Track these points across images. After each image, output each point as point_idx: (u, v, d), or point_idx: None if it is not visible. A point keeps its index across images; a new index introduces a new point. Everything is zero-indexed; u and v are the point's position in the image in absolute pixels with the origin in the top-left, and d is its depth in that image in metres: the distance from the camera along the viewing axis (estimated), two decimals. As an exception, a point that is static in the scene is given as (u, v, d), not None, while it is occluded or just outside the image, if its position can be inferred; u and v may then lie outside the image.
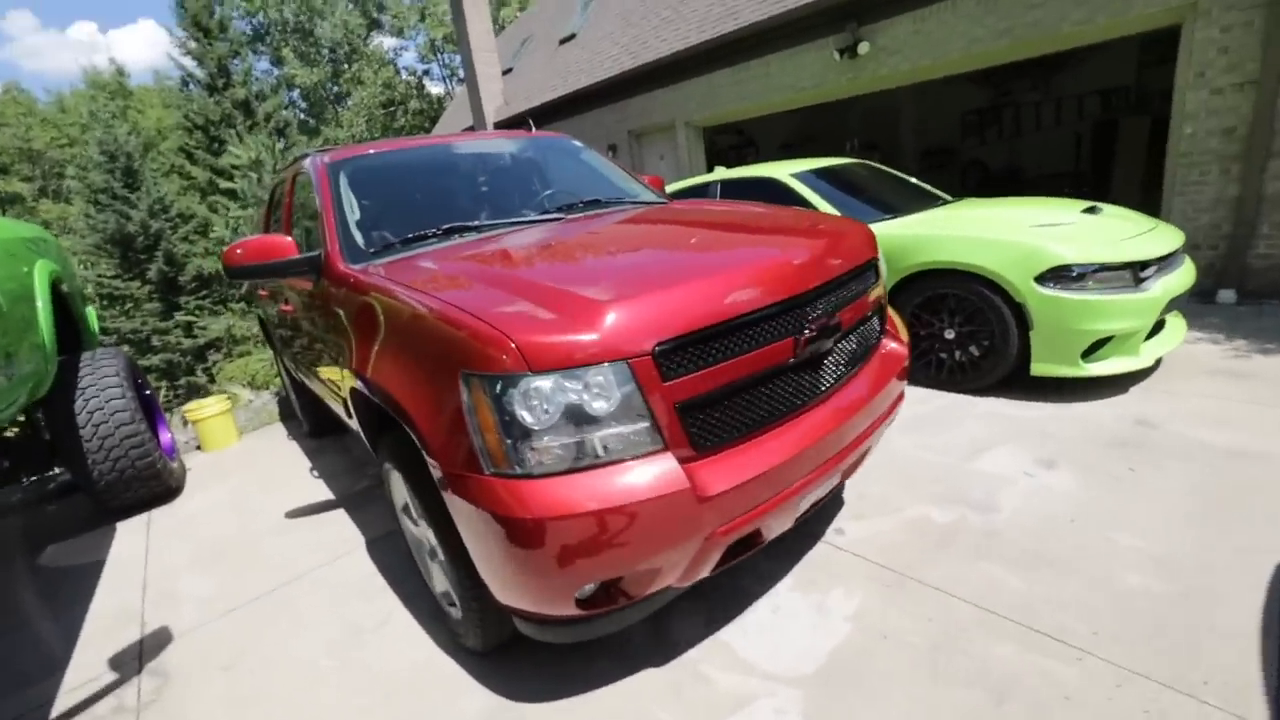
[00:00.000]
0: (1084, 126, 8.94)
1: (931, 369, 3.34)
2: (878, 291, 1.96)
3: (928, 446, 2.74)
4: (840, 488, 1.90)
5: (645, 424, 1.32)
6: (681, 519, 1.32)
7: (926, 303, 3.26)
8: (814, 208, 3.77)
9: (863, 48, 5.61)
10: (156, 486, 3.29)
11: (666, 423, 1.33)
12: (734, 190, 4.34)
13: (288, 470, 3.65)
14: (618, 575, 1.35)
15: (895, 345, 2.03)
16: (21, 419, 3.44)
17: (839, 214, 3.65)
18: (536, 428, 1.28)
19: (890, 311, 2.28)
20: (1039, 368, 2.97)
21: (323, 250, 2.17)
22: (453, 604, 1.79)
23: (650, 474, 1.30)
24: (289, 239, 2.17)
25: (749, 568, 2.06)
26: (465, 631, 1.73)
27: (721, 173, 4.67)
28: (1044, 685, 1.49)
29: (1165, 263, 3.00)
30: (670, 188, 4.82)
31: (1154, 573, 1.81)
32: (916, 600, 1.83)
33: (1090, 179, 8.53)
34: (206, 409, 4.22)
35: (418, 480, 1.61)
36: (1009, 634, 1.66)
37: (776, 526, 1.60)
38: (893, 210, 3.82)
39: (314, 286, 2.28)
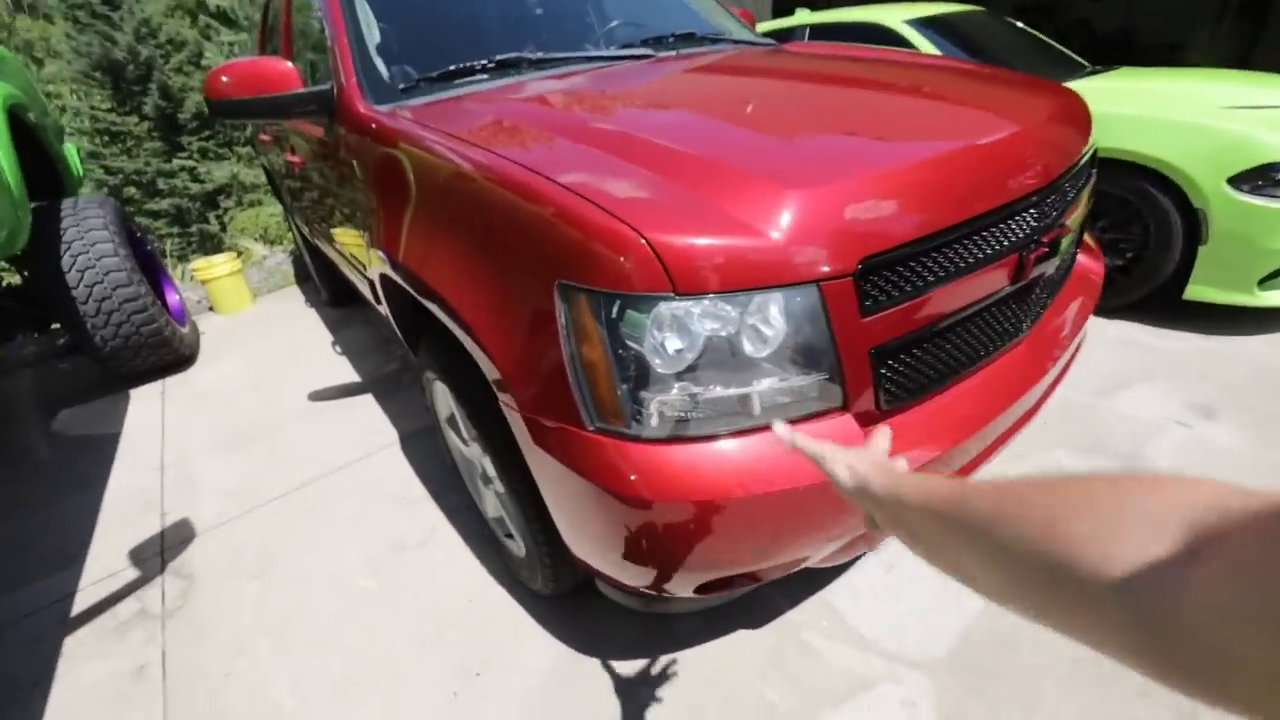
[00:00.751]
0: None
1: (1052, 282, 2.82)
2: (1091, 188, 1.43)
3: (1048, 377, 2.33)
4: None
5: (824, 374, 0.91)
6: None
7: (1066, 200, 2.67)
8: (937, 67, 3.01)
9: None
10: (166, 354, 3.00)
11: (853, 373, 0.92)
12: (826, 37, 3.52)
13: (308, 343, 3.33)
14: (765, 564, 1.02)
15: (1091, 261, 1.55)
16: (11, 272, 3.08)
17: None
18: (669, 372, 0.87)
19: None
20: (1196, 290, 2.45)
21: (334, 84, 1.62)
22: (510, 535, 1.52)
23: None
24: (289, 65, 1.61)
25: (853, 515, 1.76)
26: (530, 574, 1.47)
27: (806, 16, 3.79)
28: (1241, 705, 1.22)
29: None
30: (746, 32, 3.96)
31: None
32: (1062, 575, 1.53)
33: (1232, 47, 7.16)
34: (216, 268, 3.83)
35: (475, 403, 1.25)
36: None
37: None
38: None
39: (325, 133, 1.76)
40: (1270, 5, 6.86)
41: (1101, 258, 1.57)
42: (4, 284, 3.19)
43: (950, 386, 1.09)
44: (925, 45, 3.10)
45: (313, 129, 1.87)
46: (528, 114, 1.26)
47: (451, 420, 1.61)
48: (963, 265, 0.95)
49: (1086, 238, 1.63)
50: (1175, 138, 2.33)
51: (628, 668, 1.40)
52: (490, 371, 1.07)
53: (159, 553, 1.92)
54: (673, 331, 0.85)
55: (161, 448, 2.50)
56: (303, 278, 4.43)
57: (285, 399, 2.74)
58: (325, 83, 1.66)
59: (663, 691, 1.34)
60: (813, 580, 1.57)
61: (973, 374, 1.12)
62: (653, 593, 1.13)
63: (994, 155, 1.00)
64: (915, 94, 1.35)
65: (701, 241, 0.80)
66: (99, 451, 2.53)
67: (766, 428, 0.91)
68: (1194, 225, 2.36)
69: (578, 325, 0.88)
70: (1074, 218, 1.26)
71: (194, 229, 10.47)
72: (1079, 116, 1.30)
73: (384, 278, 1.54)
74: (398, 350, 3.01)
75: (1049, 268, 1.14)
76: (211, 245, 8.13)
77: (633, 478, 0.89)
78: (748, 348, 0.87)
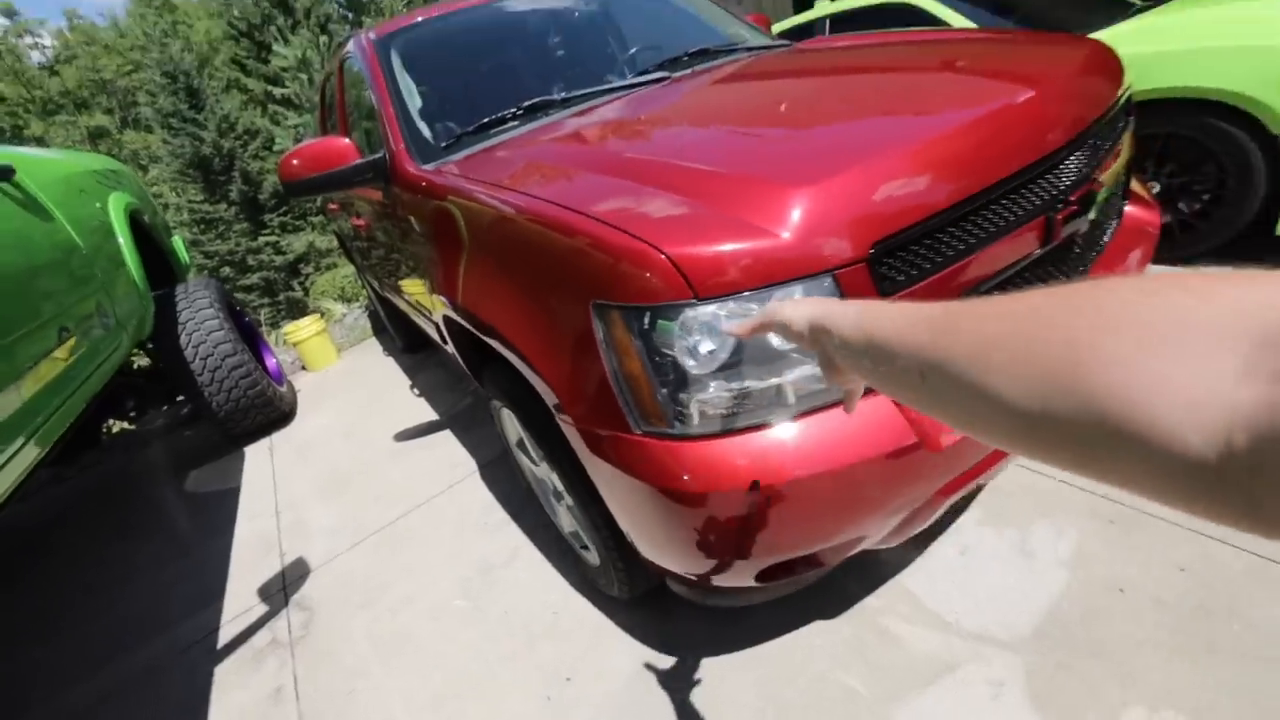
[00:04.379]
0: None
1: (1122, 236, 2.65)
2: (1129, 136, 1.38)
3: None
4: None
5: (851, 359, 0.94)
6: (904, 478, 0.98)
7: (1124, 149, 2.52)
8: (964, 36, 2.94)
9: None
10: (271, 412, 3.35)
11: (881, 355, 0.95)
12: (850, 23, 3.50)
13: (389, 389, 3.61)
14: (816, 548, 1.05)
15: (1143, 211, 1.48)
16: (141, 355, 3.54)
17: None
18: (703, 373, 0.94)
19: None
20: (1291, 226, 2.25)
21: (386, 151, 1.81)
22: (586, 547, 1.61)
23: (861, 428, 0.94)
24: (347, 141, 1.82)
25: (922, 499, 1.73)
26: (606, 580, 1.55)
27: (825, 6, 3.77)
28: (1380, 666, 1.12)
29: None
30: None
31: None
32: (1157, 543, 1.45)
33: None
34: (303, 330, 4.23)
35: (538, 424, 1.35)
36: (1309, 592, 1.27)
37: (992, 474, 1.23)
38: (1076, 27, 2.92)
39: (384, 196, 1.96)
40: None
41: (1156, 206, 1.50)
42: (135, 367, 3.66)
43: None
44: (952, 16, 3.03)
45: (372, 193, 2.08)
46: (553, 153, 1.38)
47: (520, 444, 1.74)
48: (981, 236, 0.97)
49: (1136, 187, 1.56)
50: (1242, 64, 2.17)
51: (707, 665, 1.45)
52: (545, 391, 1.17)
53: (282, 588, 2.14)
54: (702, 334, 0.91)
55: (275, 496, 2.79)
56: (379, 330, 4.79)
57: (374, 442, 2.98)
58: (378, 150, 1.86)
59: (743, 686, 1.38)
60: (886, 566, 1.56)
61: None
62: (718, 585, 1.19)
63: (1002, 122, 1.01)
64: (918, 72, 1.36)
65: (715, 249, 0.87)
66: (224, 504, 2.85)
67: (805, 414, 0.95)
68: (1277, 155, 2.18)
69: (614, 339, 0.97)
70: (1110, 171, 1.23)
71: (281, 297, 11.49)
72: (1103, 67, 1.27)
73: (447, 319, 1.69)
74: (469, 386, 3.21)
75: (1083, 225, 1.12)
76: (298, 309, 8.89)
77: (682, 474, 0.96)
78: (775, 341, 0.92)
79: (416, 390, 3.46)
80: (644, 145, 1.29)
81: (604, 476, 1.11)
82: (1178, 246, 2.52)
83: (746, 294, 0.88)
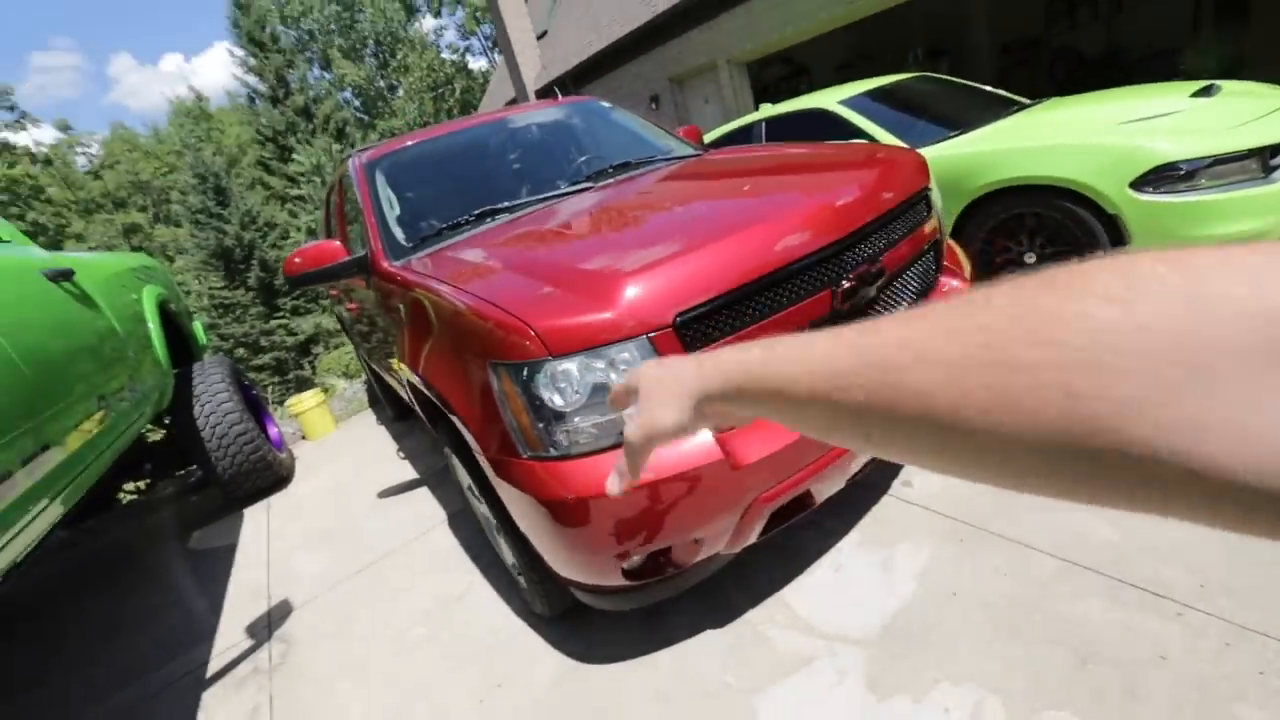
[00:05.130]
0: (1206, -13, 7.55)
1: (1012, 299, 3.04)
2: (931, 225, 1.79)
3: (1008, 385, 2.52)
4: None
5: (672, 398, 1.30)
6: (718, 490, 1.30)
7: (1002, 225, 2.96)
8: (869, 137, 3.47)
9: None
10: (270, 476, 3.68)
11: (694, 395, 1.30)
12: (781, 128, 4.08)
13: (378, 453, 3.95)
14: (660, 547, 1.36)
15: (956, 283, 1.86)
16: (158, 427, 3.93)
17: (895, 140, 3.37)
18: (566, 409, 1.29)
19: (951, 244, 2.09)
20: (1140, 286, 2.62)
21: (367, 250, 2.26)
22: (521, 573, 1.89)
23: (679, 449, 1.28)
24: (337, 244, 2.27)
25: (810, 524, 2.02)
26: (533, 599, 1.83)
27: (765, 111, 4.39)
28: (1137, 643, 1.38)
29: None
30: (712, 134, 4.61)
31: (1279, 511, 1.59)
32: (991, 555, 1.73)
33: (1217, 51, 7.25)
34: (305, 403, 4.63)
35: (471, 464, 1.69)
36: (1096, 589, 1.53)
37: (826, 489, 1.55)
38: (963, 125, 3.45)
39: (367, 285, 2.39)
40: (1248, 3, 6.98)
41: (968, 276, 1.88)
42: (149, 439, 4.04)
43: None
44: (862, 120, 3.58)
45: (359, 283, 2.52)
46: (483, 255, 1.79)
47: (470, 488, 2.06)
48: (769, 307, 1.34)
49: (957, 258, 1.95)
50: (1077, 158, 2.63)
51: (614, 669, 1.70)
52: (466, 433, 1.52)
53: (267, 625, 2.40)
54: (563, 381, 1.27)
55: (268, 549, 3.08)
56: (374, 402, 5.19)
57: (359, 499, 3.29)
58: (363, 249, 2.31)
59: (640, 687, 1.63)
60: (771, 584, 1.84)
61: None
62: (605, 586, 1.48)
63: (783, 224, 1.40)
64: (749, 180, 1.80)
65: (563, 322, 1.25)
66: (222, 559, 3.14)
67: (642, 441, 1.30)
68: (1117, 229, 2.59)
69: (505, 387, 1.33)
70: (901, 252, 1.62)
71: (291, 375, 12.02)
72: (891, 177, 1.68)
73: (412, 386, 2.07)
74: (444, 447, 3.54)
75: (868, 296, 1.49)
76: (306, 386, 9.36)
77: (554, 486, 1.29)
78: (615, 385, 1.28)
79: (402, 453, 3.79)
80: (545, 245, 1.72)
81: (507, 495, 1.44)
82: (1056, 306, 2.88)
83: (586, 351, 1.25)
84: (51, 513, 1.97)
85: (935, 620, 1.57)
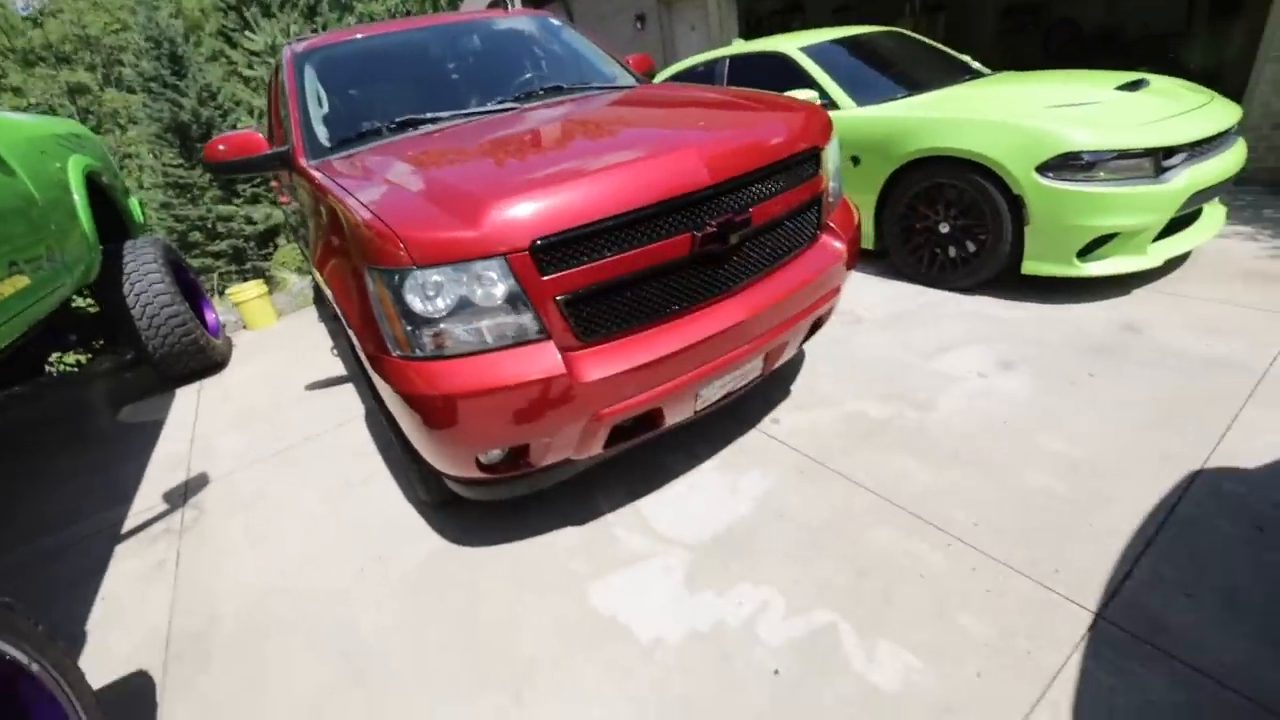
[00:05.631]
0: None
1: (922, 264, 3.22)
2: (814, 184, 1.91)
3: (896, 343, 2.74)
4: (763, 377, 1.97)
5: (528, 315, 1.44)
6: (559, 401, 1.47)
7: (924, 193, 3.08)
8: (819, 86, 3.49)
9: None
10: (203, 360, 3.76)
11: (546, 314, 1.45)
12: (743, 66, 4.03)
13: (312, 348, 4.05)
14: (508, 445, 1.55)
15: (834, 242, 2.00)
16: (90, 301, 3.92)
17: (842, 93, 3.41)
18: (430, 316, 1.42)
19: (847, 204, 2.21)
20: (1030, 266, 2.82)
21: (290, 145, 2.27)
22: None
23: (528, 361, 1.44)
24: (260, 135, 2.27)
25: (678, 447, 2.24)
26: (416, 485, 2.03)
27: (731, 48, 4.30)
28: (907, 564, 1.64)
29: (1204, 147, 2.67)
30: (679, 65, 4.53)
31: (1063, 475, 1.86)
32: (823, 486, 1.97)
33: (1206, 40, 7.21)
34: (245, 293, 4.64)
35: (357, 360, 1.82)
36: (895, 520, 1.79)
37: (674, 412, 1.73)
38: (915, 87, 3.49)
39: (290, 179, 2.42)
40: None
41: (845, 237, 2.02)
42: (78, 312, 4.03)
43: (655, 325, 1.59)
44: (815, 69, 3.57)
45: (285, 176, 2.53)
46: (385, 163, 1.84)
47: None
48: (620, 245, 1.47)
49: (845, 217, 2.09)
50: (992, 135, 2.73)
51: (481, 552, 1.93)
52: (349, 328, 1.65)
53: (183, 494, 2.58)
54: (430, 290, 1.40)
55: (194, 427, 3.22)
56: (318, 299, 5.21)
57: (288, 389, 3.42)
58: (287, 144, 2.32)
59: (499, 568, 1.86)
60: (633, 494, 2.07)
61: (680, 316, 1.62)
62: (466, 478, 1.67)
63: (650, 167, 1.50)
64: (645, 121, 1.88)
65: (428, 235, 1.36)
66: (149, 432, 3.27)
67: (498, 350, 1.45)
68: (1019, 209, 2.74)
69: (379, 291, 1.45)
70: (774, 207, 1.74)
71: (249, 265, 11.73)
72: (781, 133, 1.77)
73: (316, 284, 2.16)
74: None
75: (729, 244, 1.62)
76: (261, 277, 9.20)
77: (419, 384, 1.44)
78: (478, 296, 1.41)
79: (335, 351, 3.90)
80: (439, 163, 1.78)
81: (382, 389, 1.59)
82: (959, 277, 3.07)
83: (451, 265, 1.37)
84: None
85: (757, 535, 1.82)
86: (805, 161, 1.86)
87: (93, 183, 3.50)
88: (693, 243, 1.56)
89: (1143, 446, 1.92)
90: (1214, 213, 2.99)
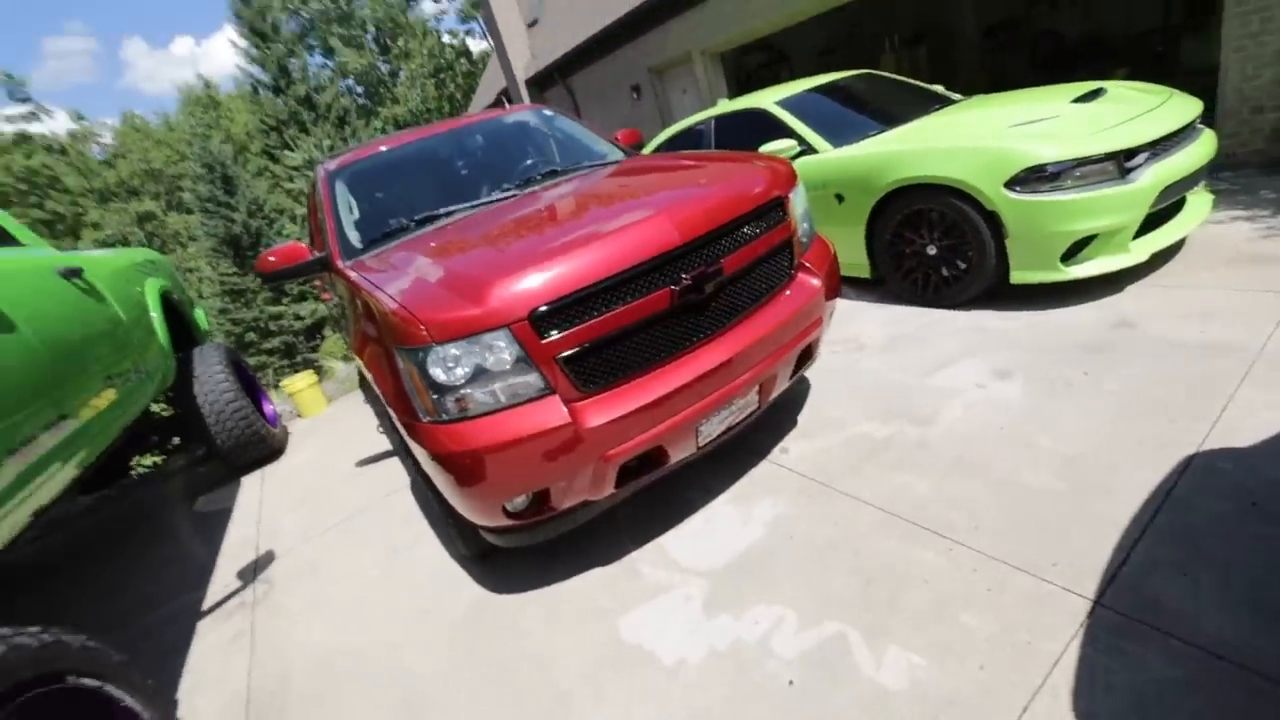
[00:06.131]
0: (1182, -31, 7.55)
1: (917, 287, 3.35)
2: (782, 229, 2.11)
3: (896, 366, 2.85)
4: (762, 410, 2.12)
5: (533, 375, 1.66)
6: (567, 447, 1.67)
7: (907, 220, 3.25)
8: (799, 135, 3.76)
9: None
10: (264, 449, 4.12)
11: (550, 372, 1.67)
12: (729, 124, 4.36)
13: (359, 429, 4.38)
14: (529, 490, 1.74)
15: (810, 279, 2.19)
16: (164, 406, 4.37)
17: (819, 138, 3.66)
18: (452, 384, 1.66)
19: (822, 241, 2.41)
20: (1018, 275, 2.93)
21: (327, 250, 2.63)
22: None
23: (537, 414, 1.65)
24: (304, 244, 2.64)
25: (695, 484, 2.39)
26: (455, 541, 2.23)
27: (719, 107, 4.66)
28: (911, 571, 1.73)
29: (1167, 143, 2.79)
30: (670, 130, 4.90)
31: (1059, 472, 1.93)
32: (829, 506, 2.08)
33: (1188, 33, 7.30)
34: (297, 384, 5.06)
35: (395, 431, 2.07)
36: (898, 531, 1.89)
37: (677, 449, 1.90)
38: (888, 121, 3.72)
39: (330, 279, 2.77)
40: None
41: (821, 271, 2.20)
42: (157, 416, 4.49)
43: (648, 371, 1.79)
44: (793, 120, 3.85)
45: (325, 277, 2.89)
46: (402, 258, 2.13)
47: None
48: (608, 305, 1.69)
49: (819, 255, 2.28)
50: (960, 159, 2.91)
51: (517, 599, 2.09)
52: (387, 404, 1.90)
53: (253, 570, 2.84)
54: (448, 361, 1.64)
55: (260, 511, 3.52)
56: (362, 383, 5.61)
57: (339, 468, 3.72)
58: (326, 250, 2.68)
59: (536, 610, 2.02)
60: (654, 530, 2.21)
61: (670, 361, 1.82)
62: (497, 526, 1.87)
63: (628, 235, 1.74)
64: (622, 192, 2.16)
65: (444, 315, 1.61)
66: (221, 519, 3.59)
67: (511, 407, 1.66)
68: (997, 226, 2.88)
69: (406, 366, 1.70)
70: (745, 255, 1.95)
71: (299, 358, 12.55)
72: (742, 190, 2.00)
73: (359, 368, 2.45)
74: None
75: (706, 293, 1.82)
76: (312, 367, 9.85)
77: (446, 444, 1.67)
78: (490, 363, 1.65)
79: (380, 429, 4.21)
80: (448, 250, 2.06)
81: (417, 451, 1.82)
82: (952, 295, 3.19)
83: (465, 339, 1.61)
84: (68, 472, 2.38)
85: (769, 558, 1.94)
86: (771, 210, 2.08)
87: (166, 300, 3.99)
88: (671, 296, 1.77)
89: (1138, 436, 1.98)
90: (1199, 201, 3.06)
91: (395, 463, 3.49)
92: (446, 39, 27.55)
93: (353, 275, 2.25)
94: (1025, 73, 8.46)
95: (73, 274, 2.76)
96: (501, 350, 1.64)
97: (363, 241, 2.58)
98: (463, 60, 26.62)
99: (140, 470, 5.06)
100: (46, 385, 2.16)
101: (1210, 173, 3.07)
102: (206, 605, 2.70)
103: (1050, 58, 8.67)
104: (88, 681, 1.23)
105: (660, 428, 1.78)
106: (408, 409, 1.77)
